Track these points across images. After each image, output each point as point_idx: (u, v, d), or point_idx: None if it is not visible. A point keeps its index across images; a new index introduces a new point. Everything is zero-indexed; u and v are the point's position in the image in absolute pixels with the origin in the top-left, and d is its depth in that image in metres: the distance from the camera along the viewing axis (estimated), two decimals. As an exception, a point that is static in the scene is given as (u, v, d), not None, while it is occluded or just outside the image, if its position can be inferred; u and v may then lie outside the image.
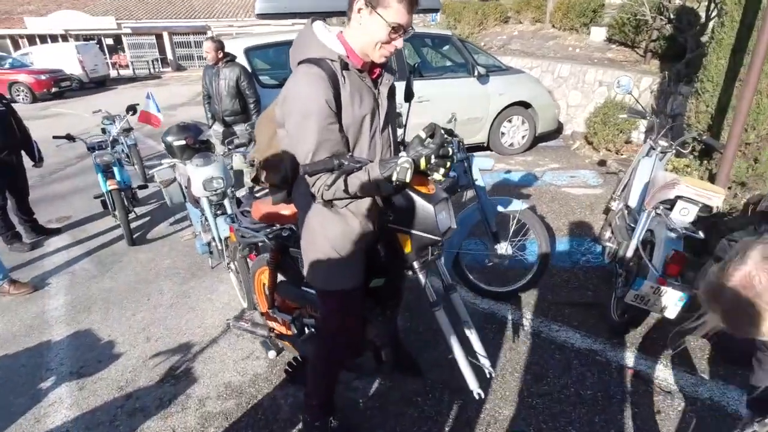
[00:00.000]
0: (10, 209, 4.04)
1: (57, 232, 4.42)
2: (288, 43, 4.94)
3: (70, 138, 4.11)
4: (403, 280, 1.96)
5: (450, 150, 1.41)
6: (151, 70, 23.61)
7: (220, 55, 4.34)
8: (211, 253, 3.17)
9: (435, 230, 1.50)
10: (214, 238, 2.99)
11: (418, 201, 1.49)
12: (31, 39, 22.32)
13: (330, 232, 1.52)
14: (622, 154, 5.90)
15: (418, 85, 5.62)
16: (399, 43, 1.36)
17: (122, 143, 5.68)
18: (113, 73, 21.94)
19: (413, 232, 1.52)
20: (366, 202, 1.51)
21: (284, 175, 1.59)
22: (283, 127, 1.44)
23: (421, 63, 6.43)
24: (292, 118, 1.36)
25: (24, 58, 17.17)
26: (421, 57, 6.56)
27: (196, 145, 3.23)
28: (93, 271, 3.61)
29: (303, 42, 1.42)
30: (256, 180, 1.72)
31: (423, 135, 1.37)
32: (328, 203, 1.46)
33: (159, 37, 24.88)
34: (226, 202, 2.89)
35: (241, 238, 2.34)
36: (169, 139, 3.19)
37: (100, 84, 18.78)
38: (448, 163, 1.41)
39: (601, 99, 6.58)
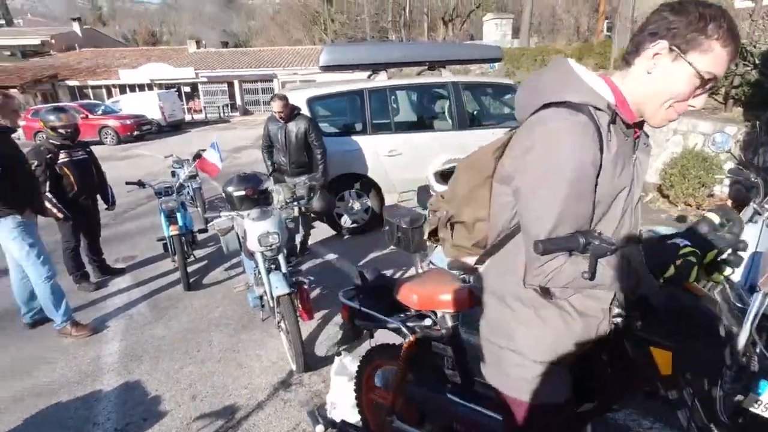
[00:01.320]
0: (81, 249, 4.25)
1: (121, 272, 4.59)
2: (348, 94, 4.96)
3: (140, 184, 4.35)
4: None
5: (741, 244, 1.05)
6: (221, 115, 25.42)
7: (289, 110, 4.38)
8: (262, 306, 3.08)
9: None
10: (266, 292, 2.91)
11: (700, 307, 1.11)
12: (123, 88, 24.92)
13: (538, 330, 1.17)
14: (704, 210, 5.35)
15: (477, 134, 5.53)
16: (699, 101, 1.01)
17: (188, 186, 5.95)
18: (188, 118, 23.82)
19: (684, 347, 1.11)
20: (603, 299, 1.16)
21: (481, 239, 1.27)
22: (506, 182, 1.12)
23: (480, 112, 6.33)
24: (533, 176, 1.03)
25: (114, 105, 19.10)
26: (480, 105, 6.47)
27: (255, 195, 3.24)
28: (149, 317, 3.65)
29: (554, 79, 1.09)
30: (433, 234, 1.45)
31: (715, 219, 1.03)
32: (546, 292, 1.14)
33: (230, 84, 26.92)
34: (280, 257, 2.82)
35: (359, 322, 1.90)
36: (230, 189, 3.22)
37: (176, 127, 20.42)
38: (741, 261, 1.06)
39: (677, 148, 6.10)
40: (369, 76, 5.92)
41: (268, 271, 2.80)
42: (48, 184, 3.76)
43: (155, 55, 30.01)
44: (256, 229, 2.69)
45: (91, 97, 24.42)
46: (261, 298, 3.06)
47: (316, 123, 4.52)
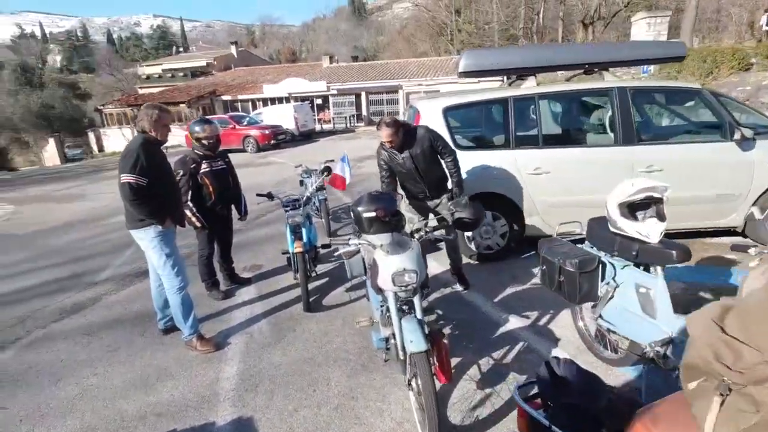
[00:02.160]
0: (213, 257, 4.31)
1: (248, 282, 4.59)
2: (489, 102, 4.27)
3: (270, 197, 4.30)
4: None
5: None
6: (348, 125, 26.59)
7: (401, 138, 3.50)
8: (387, 349, 2.63)
9: None
10: (393, 335, 2.44)
11: None
12: (265, 101, 27.60)
13: None
14: None
15: (649, 150, 4.47)
16: None
17: (314, 198, 5.90)
18: (318, 128, 25.37)
19: None
20: None
21: None
22: None
23: (651, 123, 5.20)
24: None
25: (257, 116, 21.12)
26: (653, 116, 5.33)
27: (386, 218, 2.82)
28: (268, 337, 3.46)
29: None
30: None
31: None
32: None
33: (357, 96, 28.07)
34: (416, 300, 2.33)
35: None
36: (359, 209, 2.84)
37: (307, 137, 21.80)
38: None
39: None
40: (509, 83, 5.22)
41: (400, 314, 2.33)
42: (189, 193, 3.84)
43: (293, 70, 32.77)
44: (389, 265, 2.24)
45: (240, 109, 27.47)
46: (387, 340, 2.60)
47: (435, 131, 3.81)
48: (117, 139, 27.82)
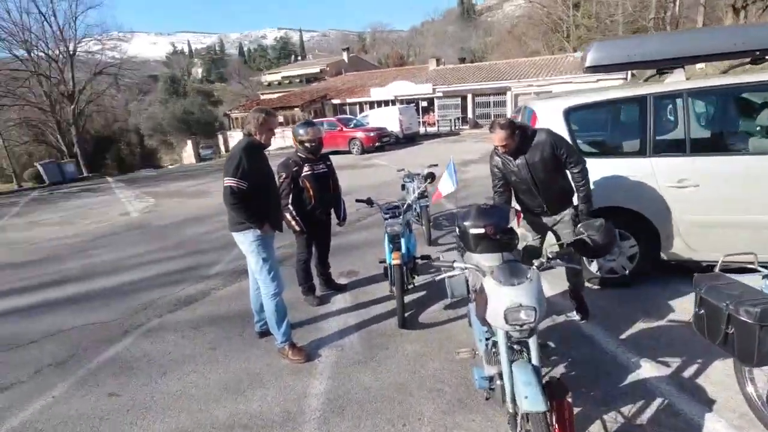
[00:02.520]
0: (311, 261, 4.28)
1: (343, 288, 4.49)
2: (622, 101, 3.50)
3: (369, 203, 4.14)
4: None
5: None
6: (452, 128, 26.09)
7: (517, 141, 3.01)
8: (491, 389, 2.24)
9: None
10: (500, 377, 2.05)
11: None
12: (372, 104, 28.33)
13: None
14: None
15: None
16: None
17: (415, 205, 5.65)
18: (422, 130, 25.28)
19: None
20: None
21: None
22: None
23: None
24: None
25: (363, 119, 21.70)
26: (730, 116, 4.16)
27: (497, 236, 2.44)
28: (359, 353, 3.28)
29: None
30: None
31: None
32: None
33: (463, 98, 27.42)
34: (531, 342, 1.91)
35: None
36: (466, 224, 2.50)
37: (411, 139, 21.80)
38: None
39: None
40: (646, 79, 4.42)
41: (511, 356, 1.93)
42: (290, 196, 3.83)
43: (400, 74, 33.17)
44: (502, 298, 1.86)
45: (348, 112, 28.57)
46: (491, 379, 2.22)
47: (559, 135, 3.20)
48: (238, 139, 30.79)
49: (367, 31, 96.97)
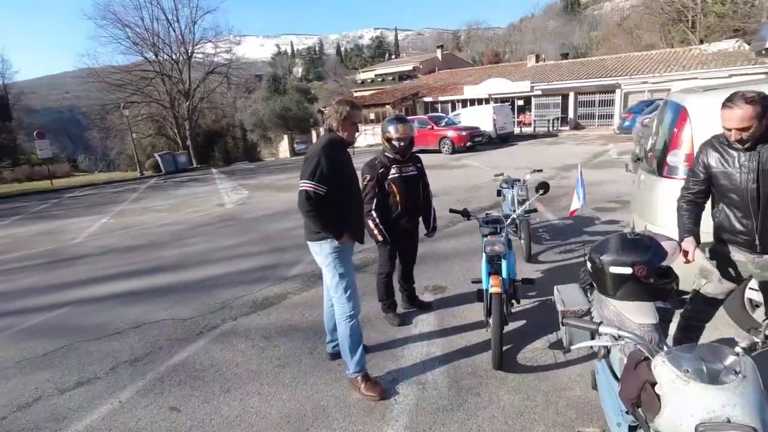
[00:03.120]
0: (394, 274, 3.80)
1: (428, 307, 3.95)
2: None
3: (466, 215, 3.52)
4: None
5: None
6: (550, 129, 24.19)
7: (764, 125, 2.04)
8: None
9: None
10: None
11: None
12: (464, 102, 27.33)
13: None
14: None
15: None
16: None
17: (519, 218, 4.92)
18: (516, 131, 23.77)
19: None
20: None
21: None
22: None
23: None
24: None
25: (455, 117, 20.88)
26: None
27: (650, 279, 1.73)
28: (445, 396, 2.71)
29: None
30: None
31: None
32: None
33: (564, 96, 25.29)
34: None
35: None
36: (605, 259, 1.82)
37: (504, 140, 20.55)
38: None
39: None
40: None
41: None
42: (374, 201, 3.38)
43: (495, 71, 31.64)
44: (693, 403, 1.14)
45: (440, 110, 27.86)
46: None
47: None
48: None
49: (462, 29, 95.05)
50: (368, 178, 3.38)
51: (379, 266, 3.70)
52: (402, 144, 3.40)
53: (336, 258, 2.72)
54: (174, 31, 29.96)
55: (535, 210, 4.90)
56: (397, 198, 3.42)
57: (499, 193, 6.01)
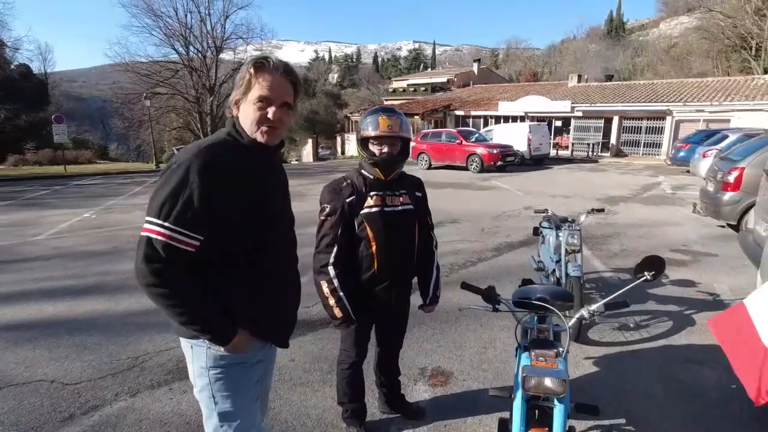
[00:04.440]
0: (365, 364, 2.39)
1: (419, 415, 2.51)
2: None
3: (492, 300, 1.93)
4: None
5: None
6: (590, 153, 22.35)
7: None
8: None
9: None
10: None
11: None
12: (498, 119, 25.72)
13: None
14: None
15: None
16: None
17: (561, 270, 3.45)
18: (552, 153, 22.02)
19: None
20: None
21: None
22: None
23: None
24: None
25: (487, 134, 19.31)
26: None
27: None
28: None
29: None
30: None
31: None
32: None
33: (608, 120, 23.43)
34: None
35: None
36: None
37: (538, 162, 18.86)
38: None
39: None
40: None
41: None
42: (335, 250, 1.98)
43: (534, 89, 29.94)
44: None
45: (471, 125, 26.34)
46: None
47: None
48: (354, 143, 30.66)
49: (501, 47, 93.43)
50: (327, 211, 2.00)
51: (340, 352, 2.28)
52: (385, 151, 2.00)
53: (219, 379, 1.34)
54: (205, 25, 29.62)
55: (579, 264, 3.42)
56: (372, 248, 2.01)
57: (536, 231, 4.53)
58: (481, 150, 16.23)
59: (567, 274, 3.42)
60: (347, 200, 1.97)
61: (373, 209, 1.99)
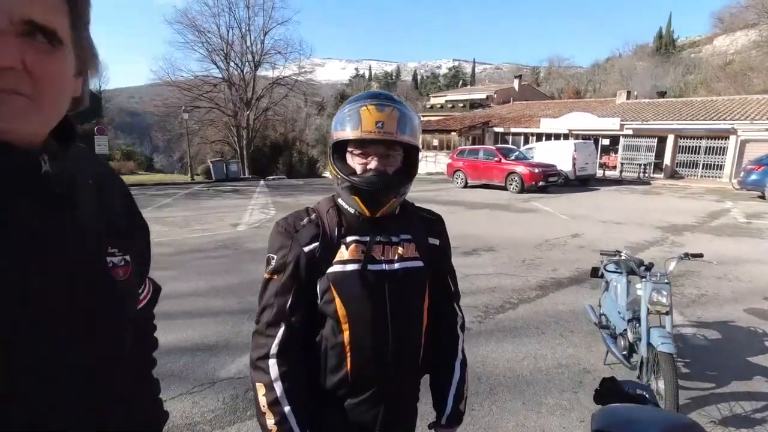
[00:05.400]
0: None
1: None
2: None
3: None
4: None
5: None
6: (640, 175, 20.68)
7: None
8: None
9: None
10: None
11: None
12: (539, 136, 24.44)
13: None
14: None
15: None
16: None
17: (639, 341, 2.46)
18: (599, 173, 20.51)
19: None
20: None
21: None
22: None
23: None
24: None
25: (527, 152, 18.16)
26: None
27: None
28: None
29: None
30: None
31: None
32: None
33: (662, 139, 21.69)
34: None
35: None
36: None
37: (583, 182, 17.50)
38: None
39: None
40: None
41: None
42: (279, 334, 1.13)
43: (579, 106, 28.45)
44: None
45: (510, 142, 25.17)
46: None
47: None
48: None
49: (543, 65, 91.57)
50: (272, 266, 1.17)
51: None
52: (372, 167, 1.13)
53: None
54: (245, 40, 30.17)
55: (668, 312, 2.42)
56: (344, 334, 1.14)
57: (596, 273, 3.54)
58: (521, 169, 15.13)
59: (650, 344, 2.43)
60: (305, 249, 1.14)
61: (348, 267, 1.13)
